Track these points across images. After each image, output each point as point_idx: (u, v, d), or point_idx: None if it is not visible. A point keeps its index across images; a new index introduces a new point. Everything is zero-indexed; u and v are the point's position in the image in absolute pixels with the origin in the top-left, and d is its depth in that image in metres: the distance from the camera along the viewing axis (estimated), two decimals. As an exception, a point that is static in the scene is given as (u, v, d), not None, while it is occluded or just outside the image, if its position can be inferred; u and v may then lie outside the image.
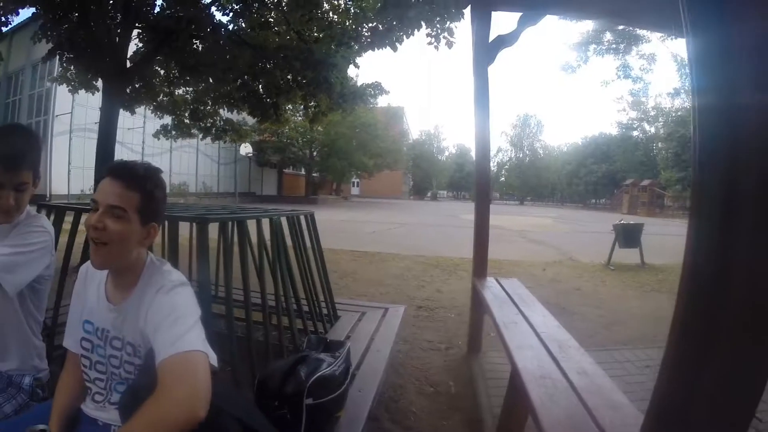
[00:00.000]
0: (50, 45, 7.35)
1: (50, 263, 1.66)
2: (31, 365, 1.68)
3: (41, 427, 1.30)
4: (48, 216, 2.39)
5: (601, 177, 45.71)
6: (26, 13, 7.29)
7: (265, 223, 2.62)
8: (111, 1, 7.32)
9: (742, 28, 0.72)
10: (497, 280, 3.52)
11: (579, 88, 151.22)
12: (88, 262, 1.44)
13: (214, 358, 1.17)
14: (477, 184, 4.00)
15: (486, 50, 3.60)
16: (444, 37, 6.66)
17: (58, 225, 2.53)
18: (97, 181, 4.41)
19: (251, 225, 2.47)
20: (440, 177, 67.98)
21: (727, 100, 0.75)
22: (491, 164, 5.87)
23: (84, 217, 1.49)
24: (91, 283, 1.46)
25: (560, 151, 60.85)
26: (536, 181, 58.24)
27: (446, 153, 74.78)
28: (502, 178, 64.46)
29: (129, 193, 1.29)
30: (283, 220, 2.87)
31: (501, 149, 63.98)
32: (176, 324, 1.18)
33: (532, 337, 2.27)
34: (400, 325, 3.33)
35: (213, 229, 2.26)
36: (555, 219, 24.89)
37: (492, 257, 4.52)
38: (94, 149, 22.12)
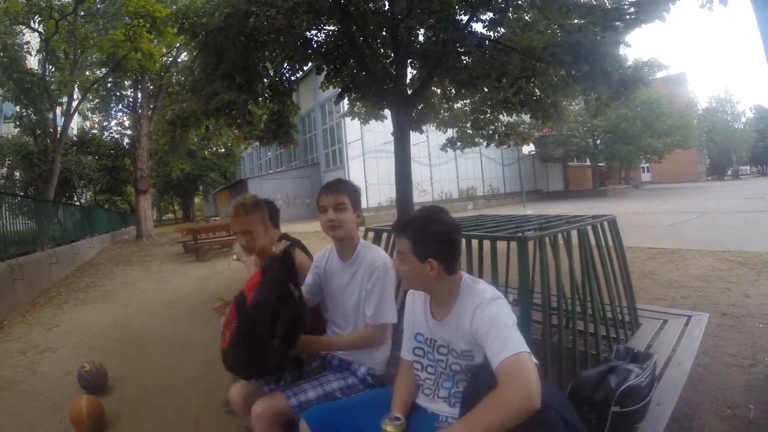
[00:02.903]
0: (335, 89, 8.68)
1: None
2: (370, 359, 2.16)
3: (396, 414, 1.71)
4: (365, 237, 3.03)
5: None
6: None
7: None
8: (380, 44, 8.28)
9: None
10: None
11: None
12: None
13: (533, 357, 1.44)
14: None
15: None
16: None
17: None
18: (399, 196, 5.34)
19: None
20: (739, 150, 56.91)
21: None
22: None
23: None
24: (417, 304, 1.88)
25: None
26: None
27: (743, 119, 62.21)
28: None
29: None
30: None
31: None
32: (500, 333, 1.49)
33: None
34: (702, 336, 3.13)
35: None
36: None
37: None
38: (385, 167, 25.20)
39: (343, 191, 2.16)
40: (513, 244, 2.45)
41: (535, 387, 1.32)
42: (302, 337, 2.05)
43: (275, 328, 1.89)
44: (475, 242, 2.78)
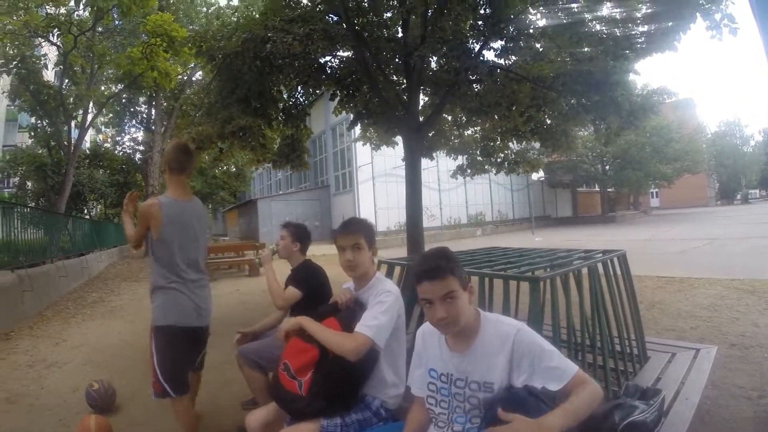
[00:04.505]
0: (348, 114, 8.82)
1: (400, 314, 2.20)
2: (383, 392, 2.17)
3: None
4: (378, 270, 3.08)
5: None
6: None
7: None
8: (393, 71, 8.42)
9: None
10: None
11: None
12: (423, 326, 1.97)
13: None
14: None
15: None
16: (725, 25, 5.78)
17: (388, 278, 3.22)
18: (409, 221, 6.49)
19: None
20: (749, 173, 56.91)
21: None
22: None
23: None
24: (430, 340, 1.90)
25: None
26: None
27: (752, 143, 62.52)
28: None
29: (446, 282, 1.66)
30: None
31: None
32: (554, 355, 1.63)
33: None
34: (710, 369, 3.12)
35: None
36: None
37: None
38: (395, 191, 25.22)
39: (360, 231, 2.24)
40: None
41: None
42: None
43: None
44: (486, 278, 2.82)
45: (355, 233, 2.23)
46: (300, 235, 3.50)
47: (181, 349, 2.79)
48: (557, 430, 1.40)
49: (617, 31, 7.01)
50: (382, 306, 2.09)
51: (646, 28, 6.61)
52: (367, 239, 2.24)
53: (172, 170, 2.95)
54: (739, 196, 60.31)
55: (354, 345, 2.00)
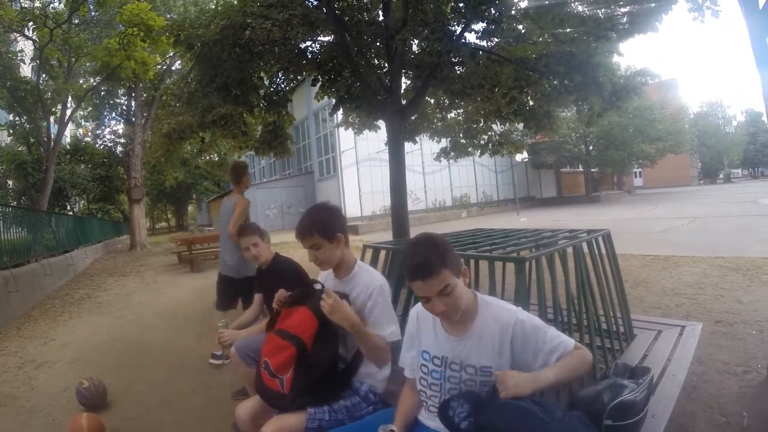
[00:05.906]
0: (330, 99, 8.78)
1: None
2: (371, 376, 2.16)
3: (391, 427, 1.74)
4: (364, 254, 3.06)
5: None
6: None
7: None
8: (374, 55, 8.36)
9: None
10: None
11: None
12: (416, 307, 1.94)
13: None
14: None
15: (759, 19, 3.07)
16: (707, 7, 5.80)
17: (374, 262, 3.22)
18: (394, 204, 6.87)
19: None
20: (731, 153, 57.51)
21: None
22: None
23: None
24: (424, 322, 1.88)
25: None
26: None
27: (734, 123, 62.96)
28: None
29: (440, 277, 1.59)
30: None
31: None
32: (549, 333, 1.67)
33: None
34: (696, 345, 3.16)
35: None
36: None
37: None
38: (379, 175, 25.04)
39: (311, 233, 2.10)
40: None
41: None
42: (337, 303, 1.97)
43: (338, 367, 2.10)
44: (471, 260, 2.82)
45: (308, 236, 2.10)
46: (264, 232, 3.38)
47: (221, 287, 4.66)
48: (550, 381, 1.53)
49: (599, 12, 7.00)
50: (386, 304, 2.11)
51: (628, 8, 6.60)
52: (324, 234, 2.09)
53: (231, 181, 4.78)
54: (721, 176, 60.92)
55: (388, 358, 2.11)
